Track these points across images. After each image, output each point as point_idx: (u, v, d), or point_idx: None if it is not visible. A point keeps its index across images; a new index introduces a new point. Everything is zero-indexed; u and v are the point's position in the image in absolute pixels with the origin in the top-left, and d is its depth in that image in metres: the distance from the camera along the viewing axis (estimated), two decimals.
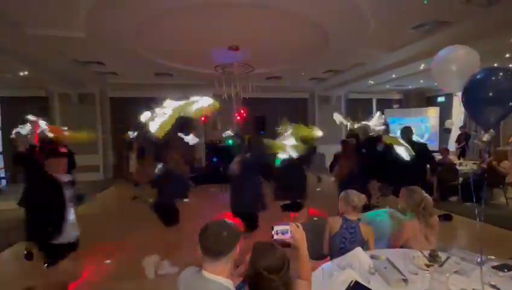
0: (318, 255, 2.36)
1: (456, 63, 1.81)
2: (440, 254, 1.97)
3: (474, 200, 3.82)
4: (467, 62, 1.76)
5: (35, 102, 8.46)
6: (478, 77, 1.69)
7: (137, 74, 7.68)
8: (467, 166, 6.63)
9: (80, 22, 4.12)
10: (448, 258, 1.92)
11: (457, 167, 6.21)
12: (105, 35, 4.63)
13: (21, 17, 4.04)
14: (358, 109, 11.15)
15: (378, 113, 5.08)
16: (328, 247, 2.38)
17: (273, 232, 1.46)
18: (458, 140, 8.92)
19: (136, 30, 4.47)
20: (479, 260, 1.80)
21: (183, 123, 3.68)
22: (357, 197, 2.34)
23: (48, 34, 4.49)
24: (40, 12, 3.88)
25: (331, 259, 2.15)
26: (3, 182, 7.98)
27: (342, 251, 2.21)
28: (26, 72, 6.44)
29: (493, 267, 1.85)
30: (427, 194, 2.32)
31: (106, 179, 9.06)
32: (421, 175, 4.25)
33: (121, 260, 3.50)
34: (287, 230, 1.45)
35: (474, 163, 6.78)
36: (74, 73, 7.09)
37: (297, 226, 1.47)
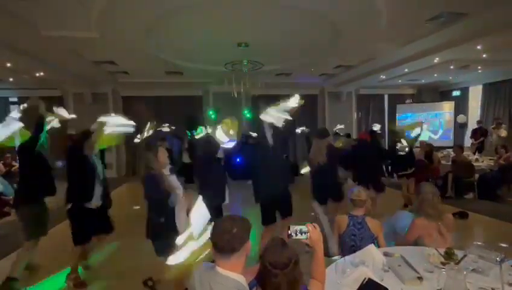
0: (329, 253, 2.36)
1: None
2: (456, 251, 1.92)
3: (492, 197, 3.69)
4: None
5: (51, 101, 8.68)
6: None
7: (148, 73, 7.77)
8: (483, 162, 6.44)
9: (93, 22, 4.19)
10: (465, 256, 1.87)
11: (474, 163, 6.03)
12: (116, 34, 4.70)
13: (35, 19, 4.12)
14: (370, 105, 11.00)
15: None
16: (337, 247, 2.36)
17: (289, 232, 1.42)
18: (474, 135, 8.61)
19: (147, 29, 4.52)
20: (498, 258, 1.75)
21: None
22: (357, 191, 2.34)
23: (61, 35, 4.58)
24: (54, 14, 3.96)
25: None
26: None
27: (353, 248, 2.19)
28: (41, 73, 6.62)
29: None
30: (429, 191, 2.26)
31: (119, 176, 9.24)
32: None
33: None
34: (304, 231, 1.42)
35: (490, 159, 6.57)
36: (88, 73, 7.24)
37: (315, 227, 1.44)
